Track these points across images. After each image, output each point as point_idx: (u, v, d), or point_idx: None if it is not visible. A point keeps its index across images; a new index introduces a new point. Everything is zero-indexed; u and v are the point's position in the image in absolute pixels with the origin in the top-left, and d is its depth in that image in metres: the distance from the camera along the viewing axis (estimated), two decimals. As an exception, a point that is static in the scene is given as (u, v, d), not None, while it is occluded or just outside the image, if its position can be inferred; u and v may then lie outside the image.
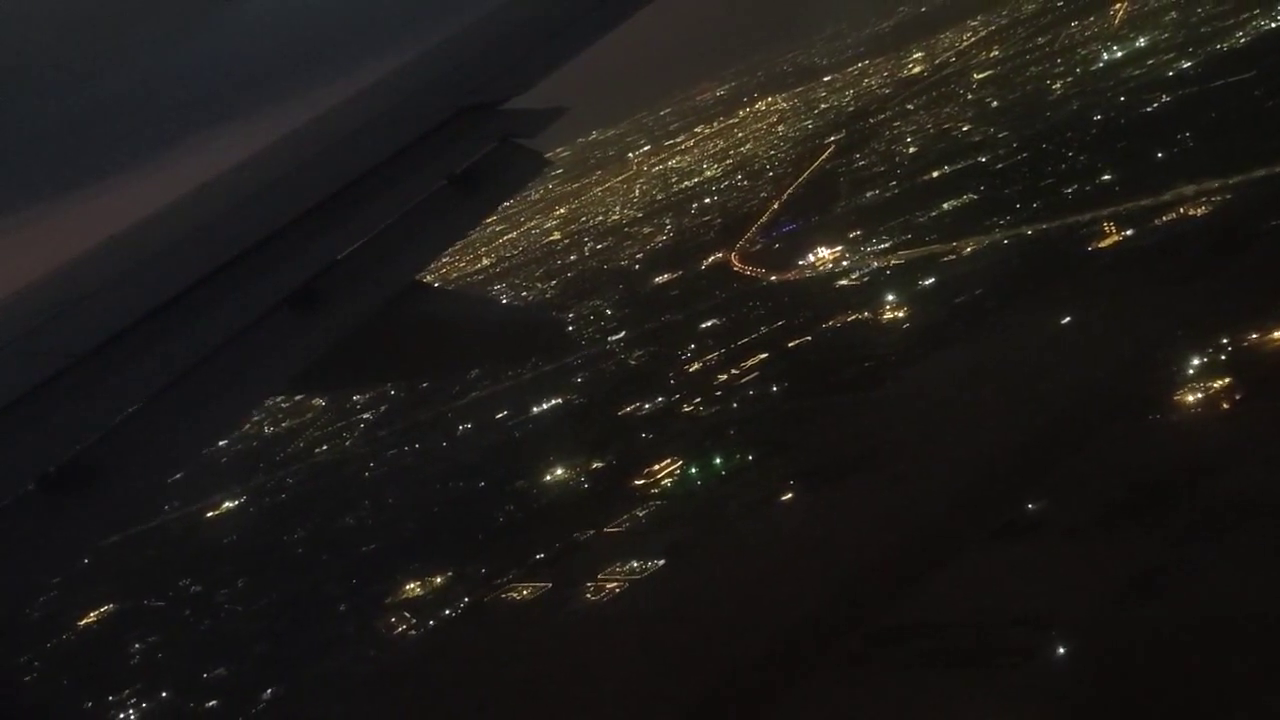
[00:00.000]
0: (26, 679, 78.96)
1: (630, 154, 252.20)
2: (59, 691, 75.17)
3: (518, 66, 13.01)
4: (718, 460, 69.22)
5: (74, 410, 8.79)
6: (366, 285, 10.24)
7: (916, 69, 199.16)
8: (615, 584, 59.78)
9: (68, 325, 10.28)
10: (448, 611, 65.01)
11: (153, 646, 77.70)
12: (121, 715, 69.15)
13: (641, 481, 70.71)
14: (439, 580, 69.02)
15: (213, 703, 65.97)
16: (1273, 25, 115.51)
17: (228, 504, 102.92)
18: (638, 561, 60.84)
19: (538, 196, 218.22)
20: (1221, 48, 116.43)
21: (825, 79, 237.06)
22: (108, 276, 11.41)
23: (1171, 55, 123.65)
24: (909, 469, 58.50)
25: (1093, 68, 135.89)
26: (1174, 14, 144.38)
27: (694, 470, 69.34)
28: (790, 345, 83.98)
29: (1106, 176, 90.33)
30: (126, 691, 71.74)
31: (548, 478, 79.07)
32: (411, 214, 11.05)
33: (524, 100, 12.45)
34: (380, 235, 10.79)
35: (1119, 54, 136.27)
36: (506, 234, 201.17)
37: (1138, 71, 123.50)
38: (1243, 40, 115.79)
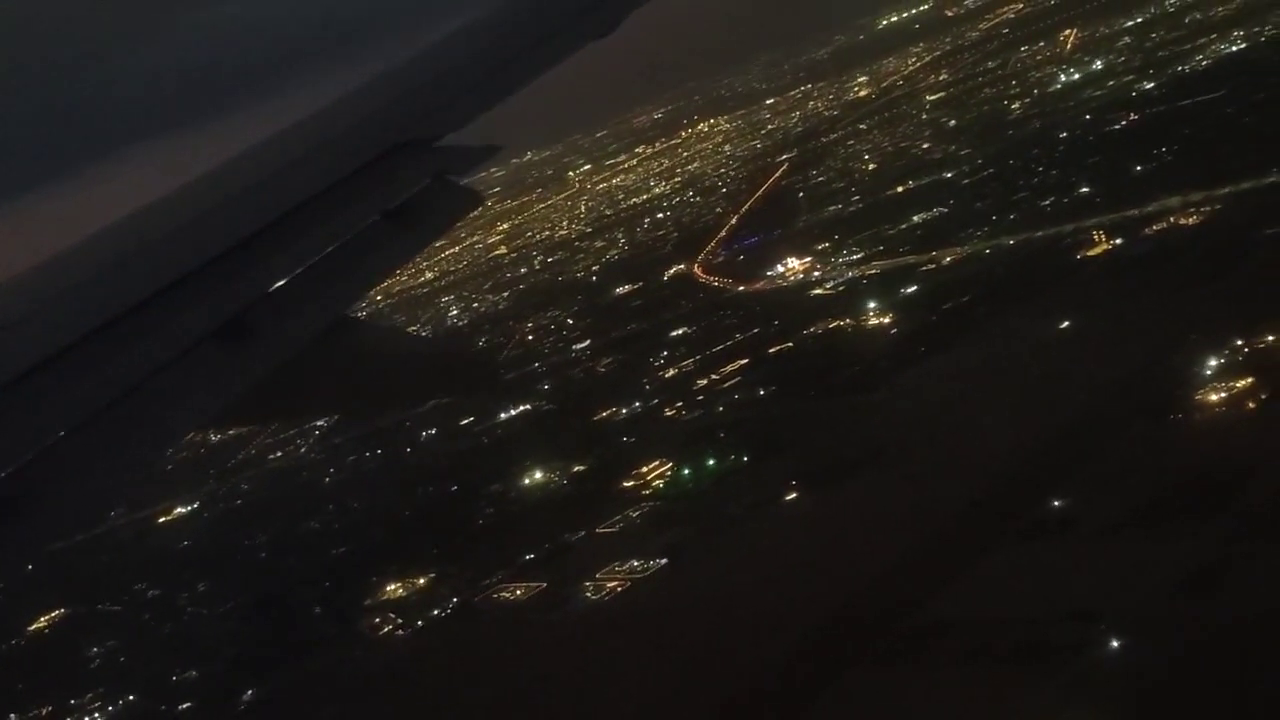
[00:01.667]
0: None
1: (570, 173, 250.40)
2: (11, 696, 72.00)
3: (453, 103, 13.05)
4: (711, 462, 67.64)
5: None
6: (295, 319, 10.16)
7: (863, 92, 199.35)
8: (616, 583, 57.99)
9: None
10: (435, 612, 62.80)
11: (112, 650, 74.67)
12: (85, 719, 66.18)
13: (630, 483, 68.94)
14: (421, 582, 66.79)
15: (185, 705, 63.27)
16: (1233, 49, 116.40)
17: (179, 509, 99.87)
18: (638, 561, 59.08)
19: (477, 213, 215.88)
20: (1183, 70, 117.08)
21: (767, 102, 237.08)
22: (29, 304, 11.03)
23: (1132, 77, 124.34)
24: (919, 469, 57.26)
25: (1050, 89, 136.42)
26: (1127, 39, 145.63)
27: (686, 472, 67.70)
28: (771, 351, 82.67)
29: (1084, 189, 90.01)
30: (89, 695, 68.75)
31: (525, 481, 77.04)
32: (343, 249, 10.95)
33: (458, 136, 12.46)
34: (311, 269, 10.71)
35: (1076, 76, 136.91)
36: (447, 249, 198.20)
37: (1099, 92, 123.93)
38: (1204, 63, 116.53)
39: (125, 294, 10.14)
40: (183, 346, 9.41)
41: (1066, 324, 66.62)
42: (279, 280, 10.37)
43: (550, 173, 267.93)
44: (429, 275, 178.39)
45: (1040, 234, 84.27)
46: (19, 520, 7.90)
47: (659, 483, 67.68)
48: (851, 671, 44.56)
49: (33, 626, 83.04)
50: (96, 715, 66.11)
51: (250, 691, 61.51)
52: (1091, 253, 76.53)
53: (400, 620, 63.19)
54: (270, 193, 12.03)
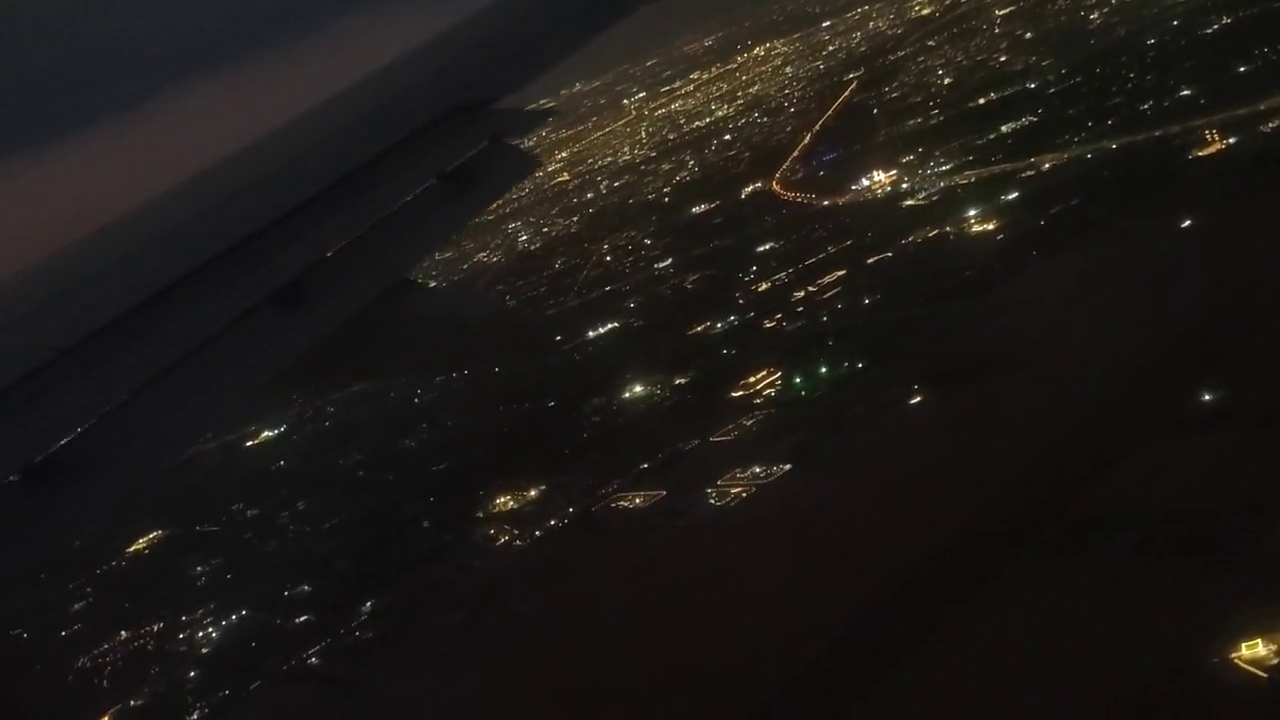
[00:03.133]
0: (78, 606, 76.06)
1: (625, 101, 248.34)
2: (119, 615, 71.97)
3: (508, 66, 13.02)
4: (823, 370, 66.35)
5: (58, 404, 8.77)
6: (353, 282, 10.28)
7: (925, 10, 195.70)
8: (740, 489, 56.95)
9: (53, 318, 10.23)
10: (552, 522, 61.98)
11: (218, 569, 74.48)
12: (200, 634, 65.96)
13: (740, 393, 67.79)
14: (531, 494, 66.00)
15: (304, 618, 62.82)
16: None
17: (266, 432, 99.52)
18: (760, 467, 58.01)
19: (532, 143, 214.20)
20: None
21: (824, 24, 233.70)
22: (95, 269, 11.28)
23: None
24: (1053, 368, 55.74)
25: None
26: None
27: (798, 380, 66.43)
28: (870, 261, 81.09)
29: (1185, 91, 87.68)
30: (200, 612, 68.62)
31: (626, 395, 76.02)
32: (401, 212, 11.07)
33: (514, 99, 12.52)
34: (369, 233, 10.82)
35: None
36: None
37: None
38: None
39: (188, 259, 10.33)
40: (243, 309, 9.61)
41: (1188, 222, 64.74)
42: (337, 244, 10.51)
43: (603, 101, 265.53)
44: (494, 203, 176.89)
45: (1144, 137, 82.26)
46: (84, 481, 8.14)
47: (770, 391, 66.50)
48: (1010, 567, 43.34)
49: (131, 548, 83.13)
50: (210, 630, 65.85)
51: (369, 602, 60.93)
52: (1204, 152, 74.46)
53: (517, 531, 62.46)
54: (328, 156, 12.13)
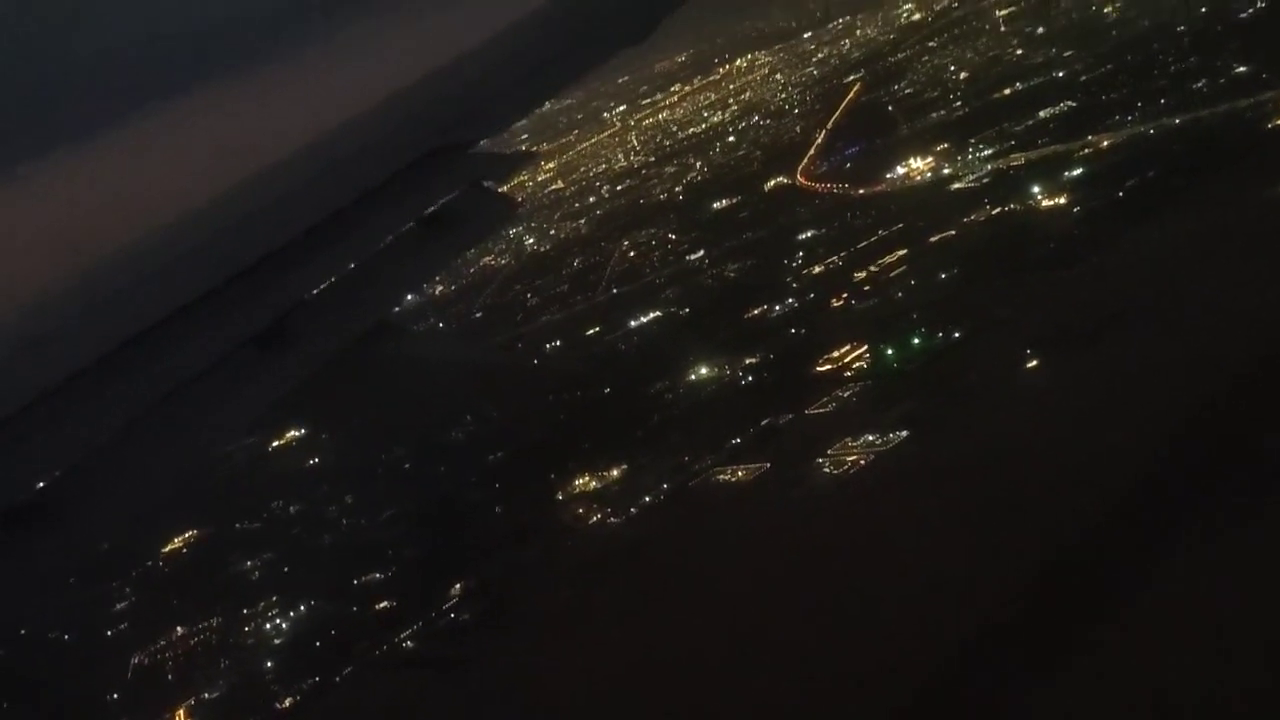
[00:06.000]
0: (120, 606, 72.48)
1: (605, 114, 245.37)
2: (170, 612, 68.41)
3: (488, 110, 13.11)
4: (916, 341, 63.90)
5: (38, 445, 8.61)
6: (333, 325, 10.26)
7: (915, 16, 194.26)
8: (856, 456, 54.34)
9: (34, 359, 9.98)
10: (647, 499, 59.10)
11: (270, 562, 70.95)
12: (267, 626, 62.58)
13: (825, 368, 65.21)
14: (614, 474, 63.08)
15: (384, 604, 59.61)
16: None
17: (291, 432, 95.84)
18: (873, 435, 55.44)
19: (513, 181, 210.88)
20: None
21: (804, 36, 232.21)
22: (71, 313, 10.97)
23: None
24: (1182, 323, 53.58)
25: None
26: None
27: (890, 352, 63.94)
28: (933, 240, 78.81)
29: (1241, 69, 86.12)
30: (261, 604, 65.15)
31: (691, 377, 73.17)
32: (380, 254, 11.22)
33: (495, 142, 12.91)
34: (348, 275, 10.88)
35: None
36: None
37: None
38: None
39: (165, 301, 10.16)
40: (222, 352, 9.56)
41: (1283, 187, 63.00)
42: (317, 286, 10.54)
43: (580, 116, 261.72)
44: (501, 225, 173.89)
45: (1208, 111, 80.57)
46: (59, 527, 8.00)
47: (860, 365, 63.97)
48: (1189, 515, 40.98)
49: (167, 548, 79.39)
50: (279, 621, 62.51)
51: (457, 585, 57.81)
52: (1281, 121, 72.92)
53: (609, 509, 59.50)
54: (307, 199, 12.03)
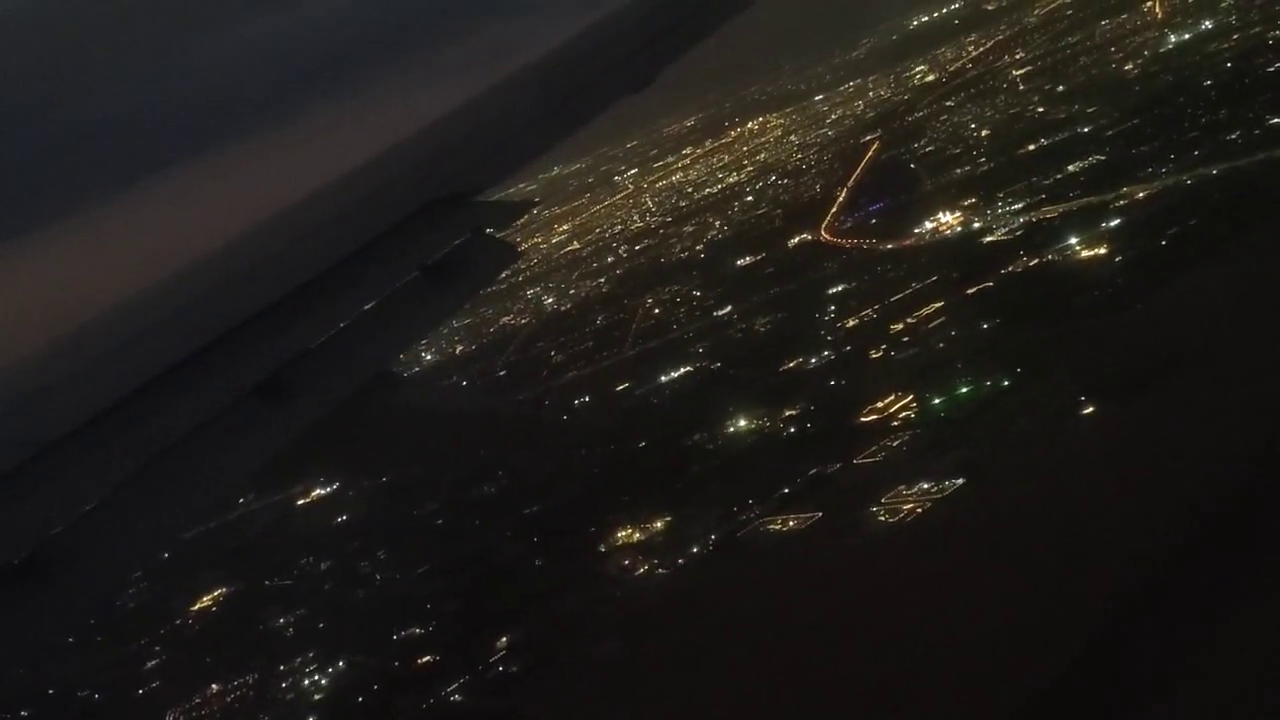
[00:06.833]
0: (150, 665, 71.37)
1: (616, 178, 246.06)
2: (203, 669, 67.23)
3: (491, 158, 13.04)
4: (963, 390, 63.07)
5: (34, 501, 8.51)
6: (334, 376, 10.15)
7: (929, 78, 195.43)
8: (912, 504, 53.37)
9: (31, 412, 9.91)
10: (695, 549, 58.09)
11: (305, 619, 69.85)
12: (305, 682, 61.38)
13: (870, 418, 64.35)
14: (658, 525, 62.12)
15: (426, 658, 58.43)
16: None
17: (317, 490, 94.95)
18: (927, 483, 54.48)
19: (526, 219, 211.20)
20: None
21: (816, 98, 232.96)
22: (72, 366, 10.93)
23: (1259, 28, 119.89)
24: (1230, 369, 52.67)
25: (1162, 49, 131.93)
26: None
27: (937, 401, 63.09)
28: (970, 292, 78.17)
29: (1274, 120, 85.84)
30: (298, 660, 63.96)
31: (730, 429, 72.43)
32: (382, 305, 11.07)
33: (496, 190, 12.63)
34: (349, 326, 10.78)
35: (1187, 36, 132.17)
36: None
37: (1226, 45, 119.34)
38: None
39: (166, 353, 10.07)
40: (222, 405, 9.46)
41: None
42: (318, 337, 10.46)
43: (591, 180, 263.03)
44: (504, 272, 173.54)
45: (1245, 161, 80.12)
46: (56, 583, 7.80)
47: (906, 414, 63.09)
48: (1262, 564, 39.88)
49: (195, 606, 78.32)
50: (317, 677, 61.30)
51: (503, 638, 56.69)
52: (1324, 170, 72.42)
53: (656, 560, 58.47)
54: (308, 249, 12.08)
